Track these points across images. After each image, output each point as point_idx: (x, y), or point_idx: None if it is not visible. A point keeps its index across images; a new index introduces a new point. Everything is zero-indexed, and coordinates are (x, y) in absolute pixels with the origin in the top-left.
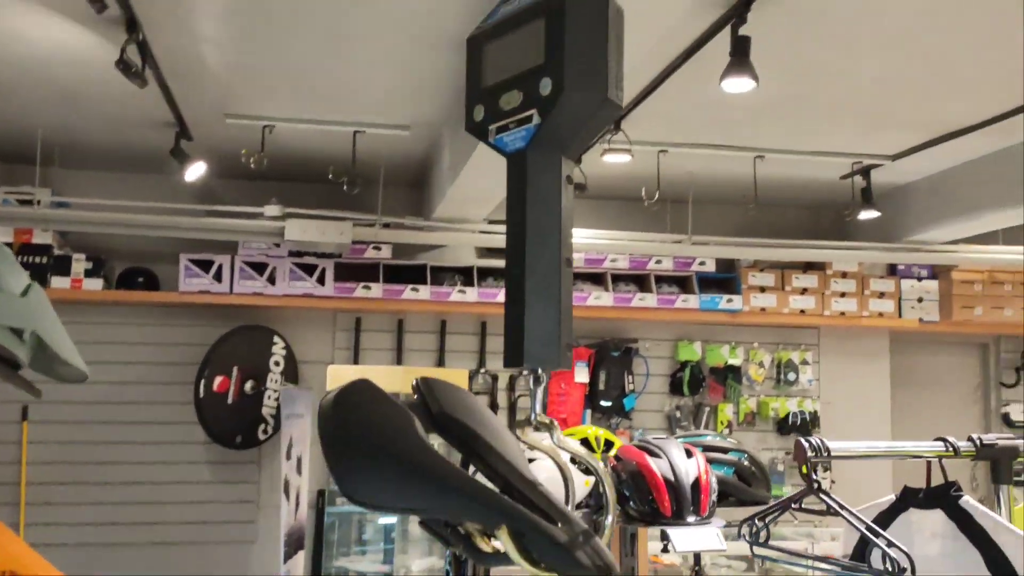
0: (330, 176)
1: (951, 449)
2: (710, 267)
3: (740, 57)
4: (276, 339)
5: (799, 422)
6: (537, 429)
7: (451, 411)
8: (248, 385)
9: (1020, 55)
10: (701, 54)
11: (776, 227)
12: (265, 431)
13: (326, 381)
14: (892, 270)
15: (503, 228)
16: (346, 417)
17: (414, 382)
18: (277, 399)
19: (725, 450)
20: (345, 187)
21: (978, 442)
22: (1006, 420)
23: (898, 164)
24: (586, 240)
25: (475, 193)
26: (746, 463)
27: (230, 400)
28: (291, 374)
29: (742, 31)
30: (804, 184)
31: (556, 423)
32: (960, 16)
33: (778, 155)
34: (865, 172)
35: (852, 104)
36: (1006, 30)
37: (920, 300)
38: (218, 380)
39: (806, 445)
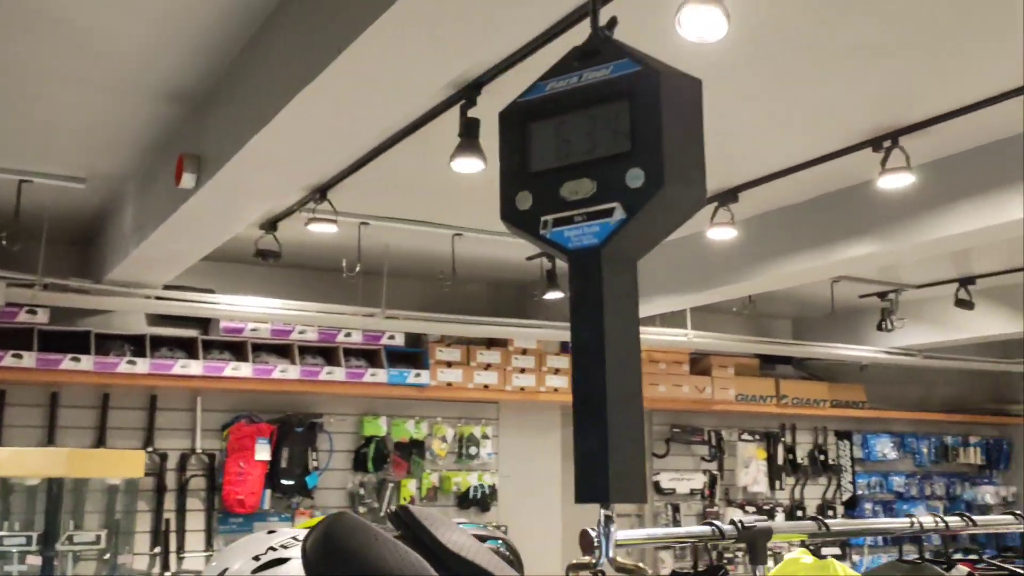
0: None
1: (718, 532)
2: (399, 341)
3: (470, 139)
4: None
5: (479, 496)
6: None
7: (459, 551)
8: None
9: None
10: (424, 131)
11: (464, 303)
12: None
13: None
14: (565, 347)
15: (184, 294)
16: (349, 566)
17: (392, 512)
18: None
19: (484, 538)
20: (4, 242)
21: (739, 525)
22: (657, 488)
23: None
24: (272, 310)
25: (164, 256)
26: (504, 551)
27: None
28: None
29: (472, 113)
30: (493, 263)
31: (644, 569)
32: None
33: (474, 234)
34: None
35: None
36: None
37: None
38: None
39: (592, 534)
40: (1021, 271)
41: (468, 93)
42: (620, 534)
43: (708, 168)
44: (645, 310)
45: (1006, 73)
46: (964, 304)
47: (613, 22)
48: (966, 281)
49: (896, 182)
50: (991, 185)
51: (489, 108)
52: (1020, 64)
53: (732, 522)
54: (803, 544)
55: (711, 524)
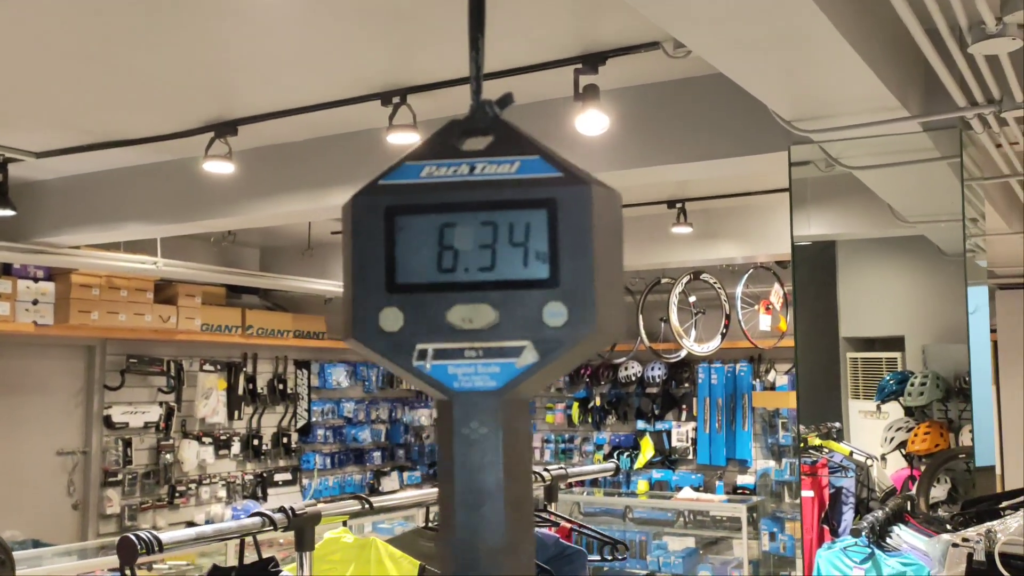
0: None
1: (269, 522)
2: None
3: None
4: None
5: None
6: None
7: None
8: None
9: (200, 82)
10: None
11: None
12: None
13: None
14: (7, 270)
15: None
16: None
17: None
18: None
19: None
20: None
21: (290, 513)
22: (107, 422)
23: (42, 162)
24: None
25: None
26: None
27: None
28: None
29: None
30: None
31: None
32: (144, 33)
33: None
34: (2, 166)
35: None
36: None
37: (35, 302)
38: None
39: (136, 541)
40: None
41: None
42: (165, 535)
43: (207, 97)
44: (116, 235)
45: (502, 54)
46: None
47: (508, 99)
48: None
49: (402, 139)
50: None
51: None
52: (506, 50)
53: (282, 509)
54: (345, 524)
55: (261, 515)
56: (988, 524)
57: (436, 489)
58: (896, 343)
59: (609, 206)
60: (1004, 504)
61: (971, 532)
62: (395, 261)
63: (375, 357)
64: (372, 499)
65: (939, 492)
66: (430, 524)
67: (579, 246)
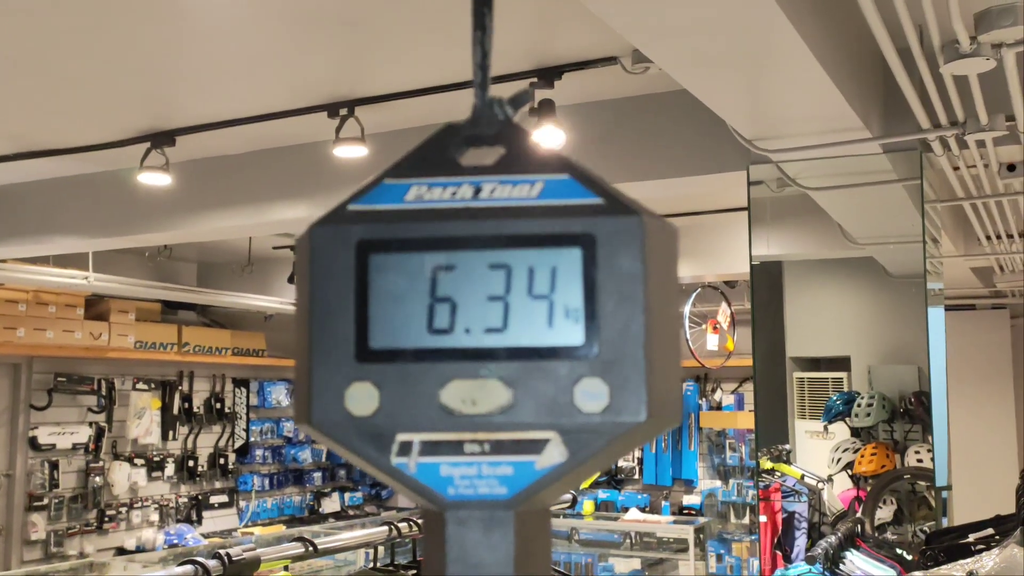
0: None
1: (202, 570)
2: None
3: None
4: None
5: None
6: None
7: None
8: None
9: (136, 89)
10: None
11: None
12: None
13: None
14: None
15: None
16: None
17: None
18: None
19: None
20: None
21: (226, 559)
22: (33, 444)
23: None
24: None
25: None
26: None
27: None
28: None
29: None
30: None
31: None
32: (73, 43)
33: None
34: None
35: None
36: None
37: None
38: None
39: None
40: None
41: None
42: None
43: (143, 106)
44: (45, 249)
45: (456, 66)
46: None
47: (524, 97)
48: None
49: (349, 152)
50: None
51: None
52: (460, 62)
53: (216, 554)
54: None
55: (193, 562)
56: (965, 564)
57: (383, 528)
58: (842, 363)
59: (665, 246)
60: (972, 538)
61: (951, 573)
62: (368, 318)
63: (339, 449)
64: (316, 540)
65: (885, 513)
66: (378, 566)
67: (626, 300)
